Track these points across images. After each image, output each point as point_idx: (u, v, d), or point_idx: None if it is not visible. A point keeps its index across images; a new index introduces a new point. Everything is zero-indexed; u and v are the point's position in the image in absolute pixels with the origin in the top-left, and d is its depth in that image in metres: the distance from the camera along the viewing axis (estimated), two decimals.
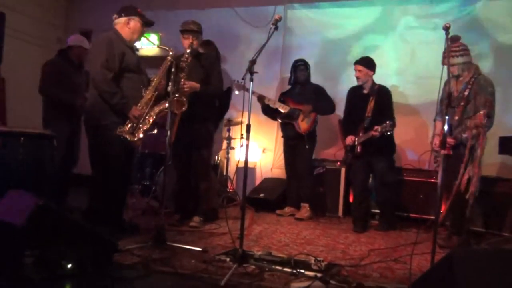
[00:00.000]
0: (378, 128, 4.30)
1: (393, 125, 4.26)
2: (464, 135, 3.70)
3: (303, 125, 5.01)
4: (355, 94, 4.78)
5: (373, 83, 4.64)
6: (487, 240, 4.12)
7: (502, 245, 3.99)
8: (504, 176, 4.54)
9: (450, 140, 3.72)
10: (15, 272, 2.37)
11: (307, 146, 4.99)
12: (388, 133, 4.29)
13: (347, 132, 4.73)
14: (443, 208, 4.28)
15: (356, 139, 4.56)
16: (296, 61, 5.24)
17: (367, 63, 4.62)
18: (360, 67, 4.60)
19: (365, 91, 4.63)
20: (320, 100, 5.04)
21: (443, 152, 2.72)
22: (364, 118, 4.53)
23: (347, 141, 4.68)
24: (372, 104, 4.54)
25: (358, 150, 4.54)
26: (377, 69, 4.69)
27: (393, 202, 4.69)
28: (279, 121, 5.32)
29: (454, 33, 3.55)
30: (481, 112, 3.46)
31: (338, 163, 5.36)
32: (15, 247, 2.39)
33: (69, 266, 2.50)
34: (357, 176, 4.70)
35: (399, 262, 3.29)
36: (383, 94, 4.59)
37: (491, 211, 4.34)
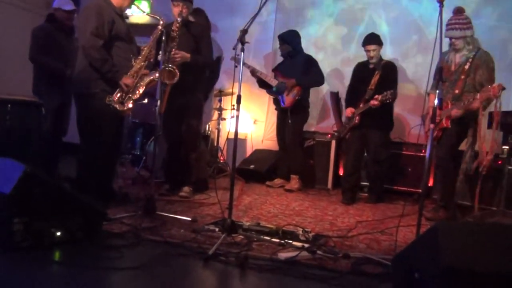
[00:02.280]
0: (378, 97, 4.35)
1: (394, 94, 4.30)
2: (474, 107, 3.68)
3: (287, 99, 5.00)
4: (361, 68, 4.79)
5: (380, 58, 4.67)
6: (472, 213, 4.19)
7: (486, 218, 4.06)
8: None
9: (457, 112, 3.70)
10: (4, 239, 2.38)
11: (289, 121, 4.99)
12: (389, 101, 4.32)
13: (348, 104, 4.77)
14: (431, 182, 4.35)
15: (355, 110, 4.60)
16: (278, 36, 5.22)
17: (377, 41, 4.63)
18: (373, 47, 4.60)
19: (371, 66, 4.65)
20: (307, 73, 5.01)
21: (432, 126, 2.72)
22: (367, 91, 4.56)
23: (347, 113, 4.73)
24: (377, 78, 4.54)
25: (356, 121, 4.59)
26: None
27: (383, 177, 4.74)
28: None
29: None
30: (495, 85, 3.39)
31: (329, 135, 5.39)
32: (3, 214, 2.39)
33: (58, 234, 2.52)
34: (351, 148, 4.73)
35: (386, 234, 3.35)
36: (388, 69, 4.59)
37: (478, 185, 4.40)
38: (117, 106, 3.43)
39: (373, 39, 4.63)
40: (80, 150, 3.59)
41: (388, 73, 4.56)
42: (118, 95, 3.45)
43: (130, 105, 3.49)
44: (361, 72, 4.76)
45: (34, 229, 2.43)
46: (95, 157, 3.52)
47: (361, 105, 4.56)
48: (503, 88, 3.40)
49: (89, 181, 3.47)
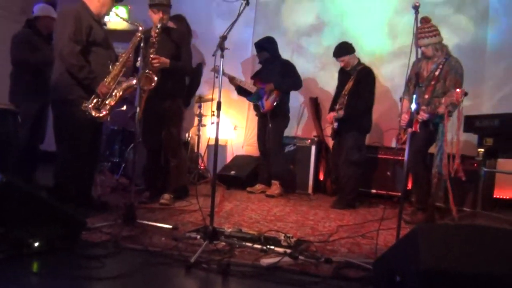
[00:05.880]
0: (334, 114, 4.62)
1: (340, 116, 4.51)
2: (439, 112, 3.74)
3: (266, 104, 5.03)
4: (341, 73, 4.88)
5: (358, 63, 4.71)
6: (449, 215, 4.26)
7: (465, 220, 4.14)
8: (467, 154, 4.68)
9: (423, 114, 3.76)
10: None
11: (270, 125, 5.01)
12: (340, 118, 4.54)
13: (330, 110, 4.86)
14: (409, 185, 4.40)
15: (334, 116, 4.69)
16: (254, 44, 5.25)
17: (346, 51, 4.67)
18: (342, 58, 4.67)
19: (348, 70, 4.72)
20: (285, 77, 5.04)
21: (410, 130, 2.77)
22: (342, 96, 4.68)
23: (327, 118, 4.84)
24: (351, 83, 4.62)
25: (335, 127, 4.67)
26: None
27: (355, 181, 4.63)
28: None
29: None
30: (458, 90, 3.44)
31: (309, 140, 5.42)
32: None
33: (36, 244, 2.46)
34: (334, 153, 4.86)
35: (367, 238, 3.37)
36: (361, 75, 4.62)
37: (453, 187, 4.47)
38: (93, 112, 3.39)
39: (341, 51, 4.69)
40: (57, 158, 3.53)
41: (362, 80, 4.60)
42: (94, 101, 3.42)
43: (107, 112, 3.46)
44: (341, 77, 4.86)
45: (12, 240, 2.38)
46: (73, 164, 3.47)
47: (333, 114, 4.67)
48: (466, 94, 3.47)
49: (67, 190, 3.41)
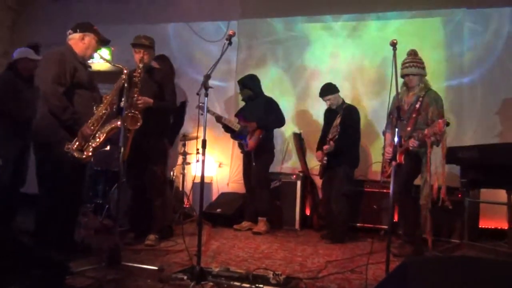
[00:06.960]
0: (327, 147, 4.72)
1: (331, 147, 4.62)
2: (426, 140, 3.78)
3: (250, 143, 5.07)
4: (328, 113, 5.03)
5: (343, 102, 4.89)
6: (438, 247, 4.26)
7: (452, 251, 4.14)
8: (450, 185, 4.72)
9: (414, 142, 3.78)
10: None
11: (253, 163, 5.04)
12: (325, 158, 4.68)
13: (318, 148, 4.97)
14: (395, 217, 4.41)
15: (322, 152, 4.81)
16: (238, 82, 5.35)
17: (331, 91, 4.84)
18: (327, 97, 4.84)
19: (334, 108, 4.87)
20: (268, 114, 5.10)
21: (394, 163, 2.80)
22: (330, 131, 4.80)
23: (316, 156, 4.96)
24: (338, 121, 4.75)
25: (324, 161, 4.76)
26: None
27: (346, 215, 4.66)
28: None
29: None
30: (440, 120, 3.49)
31: (294, 176, 5.43)
32: None
33: None
34: (324, 188, 4.87)
35: (356, 273, 3.34)
36: (348, 113, 4.78)
37: (440, 219, 4.50)
38: (75, 154, 3.36)
39: (327, 91, 4.86)
40: (39, 201, 3.47)
41: (348, 116, 4.75)
42: (77, 143, 3.39)
43: (90, 153, 3.42)
44: (328, 116, 5.00)
45: None
46: (55, 207, 3.41)
47: (325, 147, 4.75)
48: (448, 124, 3.54)
49: (49, 233, 3.33)
